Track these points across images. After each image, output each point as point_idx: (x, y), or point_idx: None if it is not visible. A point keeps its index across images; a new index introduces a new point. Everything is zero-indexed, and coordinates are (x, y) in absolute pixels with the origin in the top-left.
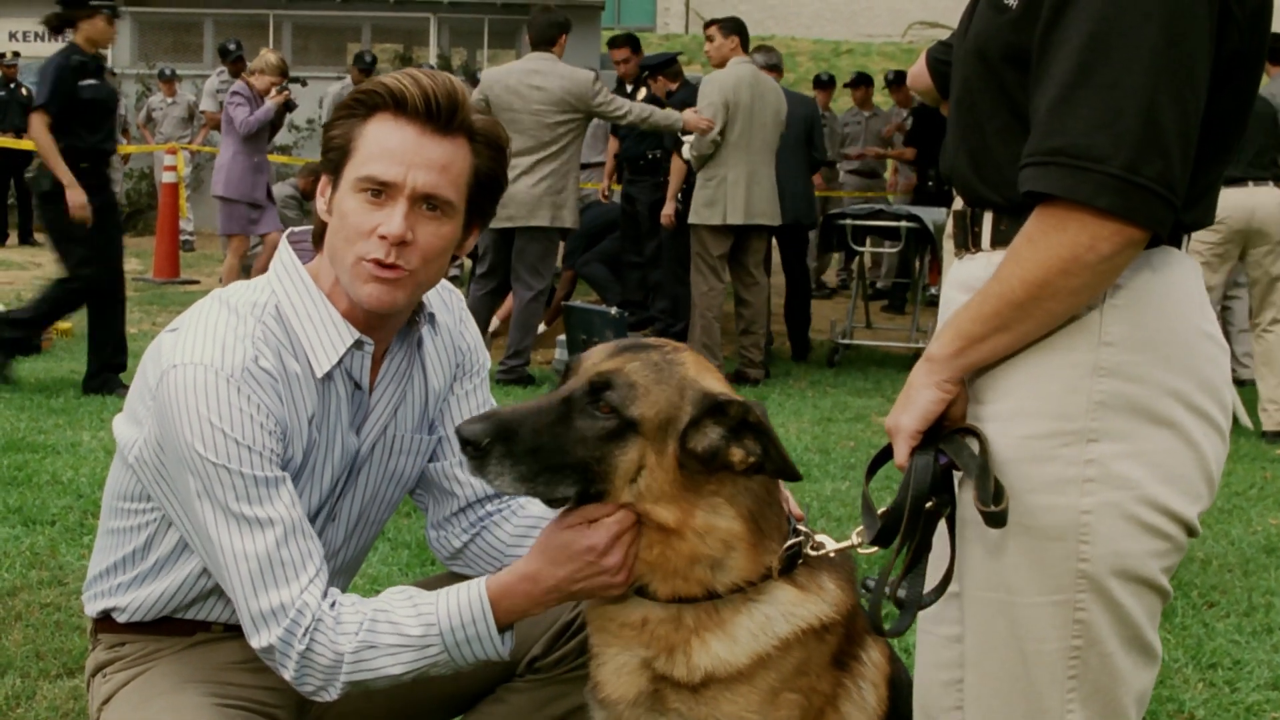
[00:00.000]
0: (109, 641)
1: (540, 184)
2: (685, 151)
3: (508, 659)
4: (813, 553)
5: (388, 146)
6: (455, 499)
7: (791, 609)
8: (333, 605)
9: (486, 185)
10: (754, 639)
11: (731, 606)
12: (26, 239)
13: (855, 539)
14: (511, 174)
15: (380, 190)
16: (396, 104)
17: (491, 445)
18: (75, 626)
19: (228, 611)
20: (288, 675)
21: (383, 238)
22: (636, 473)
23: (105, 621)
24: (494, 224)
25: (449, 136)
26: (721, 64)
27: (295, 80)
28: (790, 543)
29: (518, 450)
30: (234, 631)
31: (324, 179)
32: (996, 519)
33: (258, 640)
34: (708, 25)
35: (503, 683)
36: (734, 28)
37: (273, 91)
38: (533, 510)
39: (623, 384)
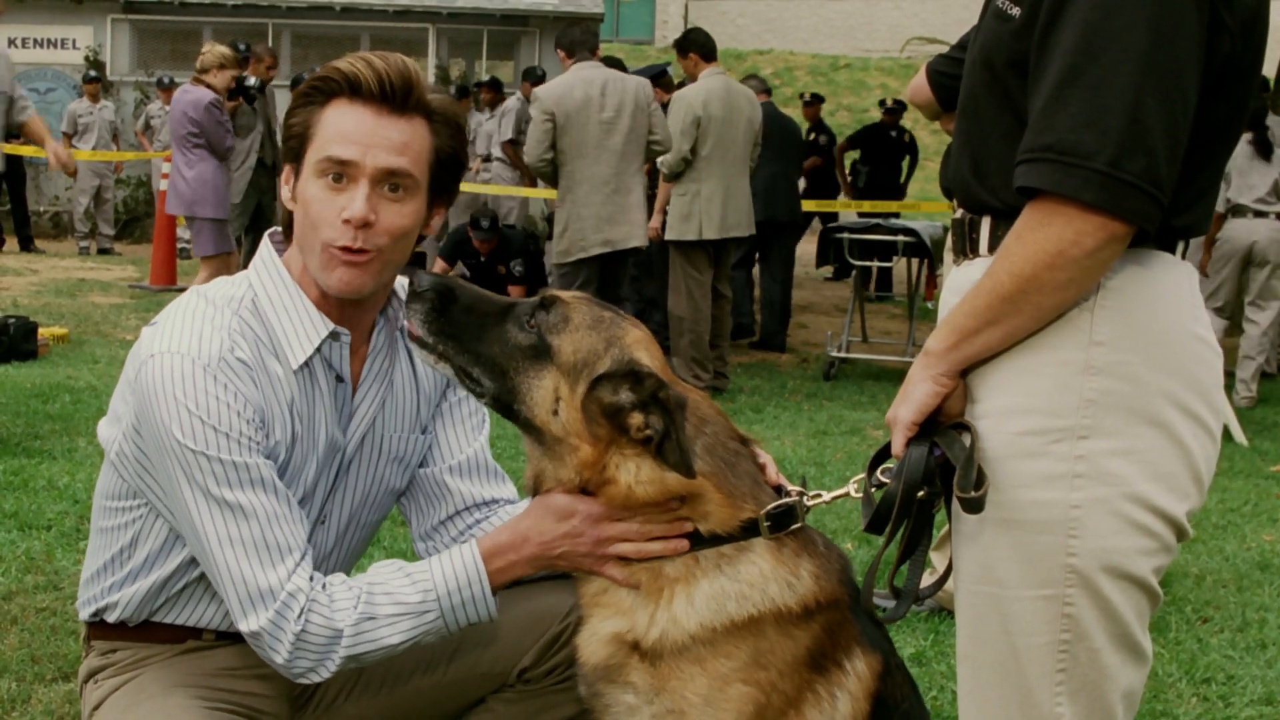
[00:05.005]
0: (101, 648)
1: (636, 202)
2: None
3: (496, 618)
4: (809, 503)
5: (345, 128)
6: (443, 506)
7: (748, 586)
8: (323, 586)
9: (447, 164)
10: (707, 606)
11: (705, 566)
12: (27, 246)
13: (853, 488)
14: (579, 193)
15: (341, 174)
16: (351, 88)
17: (426, 294)
18: (71, 631)
19: (218, 617)
20: (279, 659)
21: (346, 222)
22: (555, 404)
23: (98, 626)
24: (585, 254)
25: (405, 116)
26: (695, 80)
27: (244, 79)
28: (779, 502)
29: (445, 310)
30: (225, 639)
31: (287, 169)
32: (973, 505)
33: (246, 624)
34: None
35: (493, 693)
36: (687, 46)
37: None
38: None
39: (559, 314)
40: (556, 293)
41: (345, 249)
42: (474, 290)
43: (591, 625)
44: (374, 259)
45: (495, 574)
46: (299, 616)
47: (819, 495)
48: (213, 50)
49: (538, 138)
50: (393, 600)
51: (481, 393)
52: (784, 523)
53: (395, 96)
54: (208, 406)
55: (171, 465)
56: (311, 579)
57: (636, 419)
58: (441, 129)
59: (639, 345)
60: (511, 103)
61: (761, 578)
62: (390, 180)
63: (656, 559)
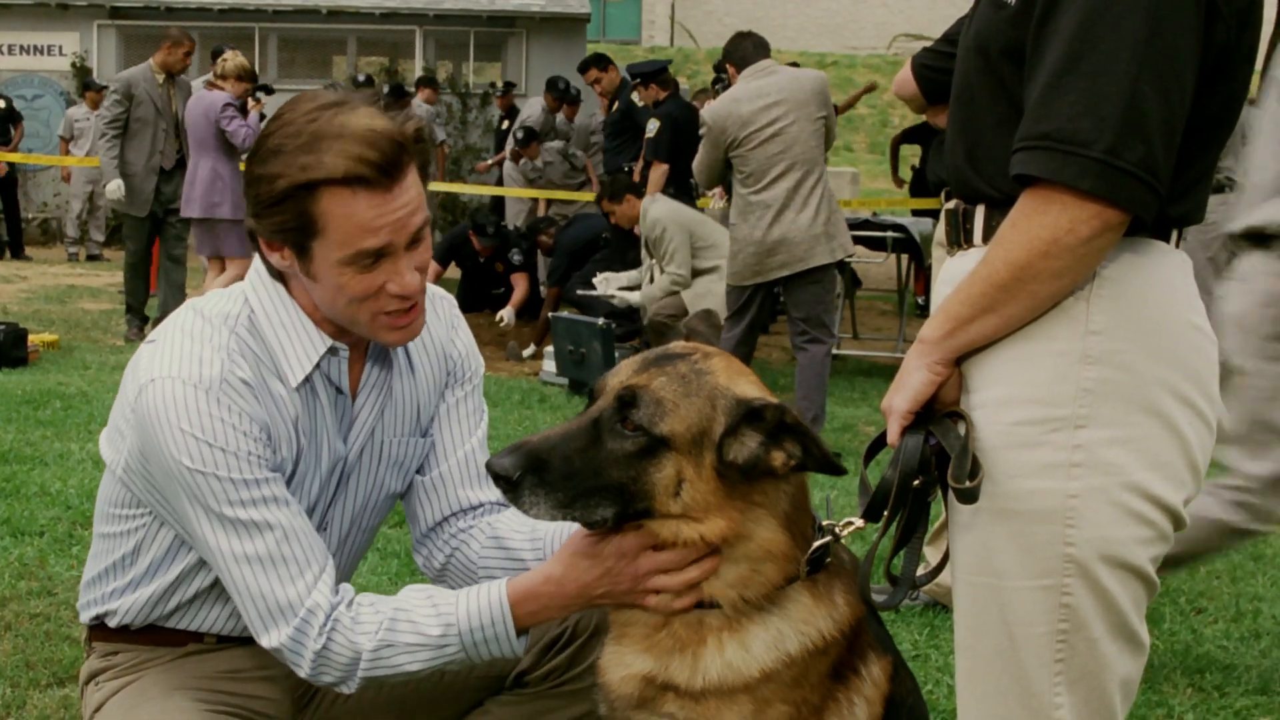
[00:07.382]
0: (102, 650)
1: (818, 216)
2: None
3: (521, 656)
4: (842, 533)
5: (365, 221)
6: (436, 510)
7: (802, 625)
8: (349, 605)
9: (424, 176)
10: (767, 651)
11: (750, 613)
12: (18, 253)
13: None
14: (774, 211)
15: (376, 258)
16: (349, 182)
17: (523, 477)
18: (65, 636)
19: (220, 622)
20: (302, 672)
21: (402, 297)
22: (677, 486)
23: (98, 629)
24: (764, 277)
25: (406, 172)
26: None
27: (262, 88)
28: (818, 543)
29: (550, 479)
30: (226, 643)
31: (277, 243)
32: (968, 495)
33: (267, 640)
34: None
35: (491, 696)
36: (723, 61)
37: (250, 101)
38: (501, 528)
39: (649, 401)
40: (626, 383)
41: (400, 313)
42: (548, 440)
43: (621, 655)
44: (422, 301)
45: (525, 617)
46: (319, 633)
47: (851, 523)
48: (234, 59)
49: (706, 164)
50: (414, 630)
51: (605, 523)
52: (819, 561)
53: (399, 168)
54: (212, 430)
55: (178, 488)
56: (337, 594)
57: (778, 457)
58: (419, 153)
59: (732, 376)
60: (536, 114)
61: (809, 613)
62: (417, 236)
63: (695, 604)
